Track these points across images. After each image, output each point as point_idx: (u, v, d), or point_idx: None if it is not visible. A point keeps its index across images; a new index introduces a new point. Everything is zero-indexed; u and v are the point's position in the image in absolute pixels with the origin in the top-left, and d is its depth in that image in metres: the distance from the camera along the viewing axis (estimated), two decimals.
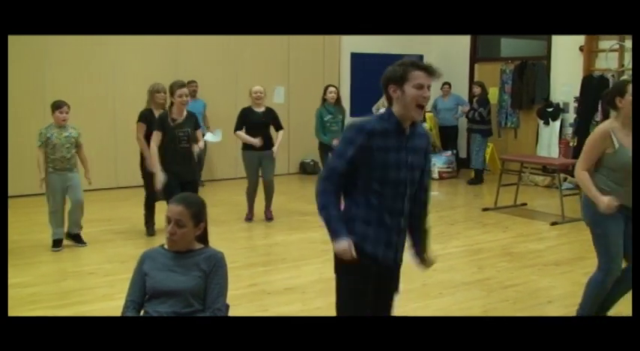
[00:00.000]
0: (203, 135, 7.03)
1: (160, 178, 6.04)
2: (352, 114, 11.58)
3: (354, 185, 2.95)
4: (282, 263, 5.99)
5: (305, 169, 11.38)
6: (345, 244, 2.85)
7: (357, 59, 11.72)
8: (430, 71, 2.90)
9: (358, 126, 2.92)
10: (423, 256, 3.20)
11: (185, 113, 6.21)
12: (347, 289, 3.01)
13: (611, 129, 3.88)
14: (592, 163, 3.94)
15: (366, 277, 2.96)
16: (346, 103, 11.64)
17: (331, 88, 8.06)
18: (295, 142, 11.02)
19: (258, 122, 7.37)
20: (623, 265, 4.09)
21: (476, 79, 11.75)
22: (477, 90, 10.59)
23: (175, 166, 6.08)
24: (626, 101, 3.86)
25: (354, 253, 2.85)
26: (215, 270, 2.96)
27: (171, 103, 6.19)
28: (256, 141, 7.26)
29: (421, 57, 12.22)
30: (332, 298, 4.96)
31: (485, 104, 10.63)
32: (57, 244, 6.31)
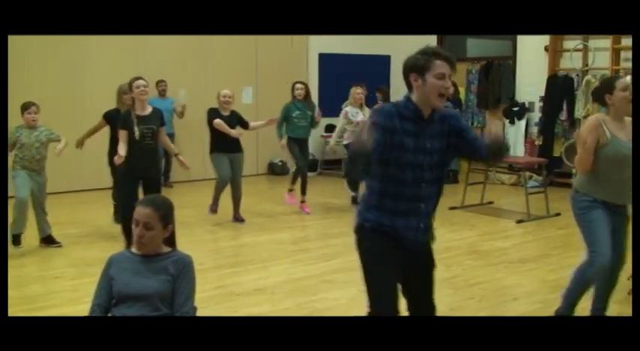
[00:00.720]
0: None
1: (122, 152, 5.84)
2: (321, 114, 11.62)
3: (372, 171, 2.99)
4: (251, 264, 5.98)
5: (273, 169, 11.37)
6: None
7: (325, 59, 11.75)
8: (451, 61, 2.94)
9: (376, 110, 2.99)
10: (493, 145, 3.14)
11: (150, 109, 6.09)
12: (370, 253, 3.03)
13: (602, 120, 3.96)
14: (589, 152, 3.94)
15: (387, 247, 3.00)
16: (314, 102, 11.69)
17: (298, 85, 8.14)
18: (264, 142, 11.00)
19: (228, 125, 7.34)
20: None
21: None
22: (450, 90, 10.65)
23: (138, 162, 5.88)
24: (616, 97, 3.94)
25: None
26: (183, 273, 2.94)
27: (133, 100, 6.06)
28: (235, 132, 7.26)
29: (389, 57, 12.32)
30: (301, 299, 5.01)
31: (459, 105, 10.74)
32: (16, 240, 6.22)
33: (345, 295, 5.09)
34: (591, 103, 9.57)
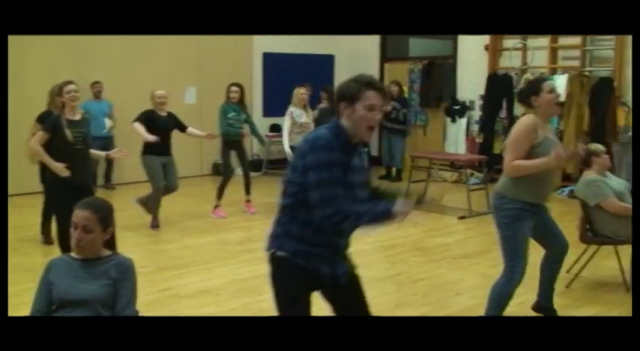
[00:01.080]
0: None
1: (59, 166, 5.63)
2: (265, 114, 11.62)
3: (300, 202, 2.80)
4: (195, 266, 5.93)
5: (217, 170, 11.26)
6: (400, 207, 2.70)
7: (270, 59, 11.73)
8: (384, 92, 2.82)
9: (322, 144, 2.73)
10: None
11: (80, 114, 5.94)
12: (284, 297, 2.91)
13: (535, 123, 3.95)
14: (522, 155, 3.89)
15: (299, 287, 2.87)
16: (259, 103, 11.68)
17: (233, 87, 7.99)
18: (207, 143, 10.82)
19: (162, 127, 7.20)
20: (549, 252, 4.29)
21: (386, 78, 11.96)
22: (394, 89, 10.74)
23: (70, 168, 5.57)
24: (542, 99, 3.94)
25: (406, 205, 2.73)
26: (124, 277, 2.90)
27: (63, 104, 5.84)
28: (152, 138, 7.05)
29: (332, 57, 12.37)
30: (246, 299, 4.99)
31: (405, 104, 10.85)
32: None
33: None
34: None
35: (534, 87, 4.03)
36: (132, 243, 6.36)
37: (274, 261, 2.92)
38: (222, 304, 4.93)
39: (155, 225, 7.33)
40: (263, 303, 4.92)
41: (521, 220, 3.96)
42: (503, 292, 4.04)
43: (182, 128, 7.46)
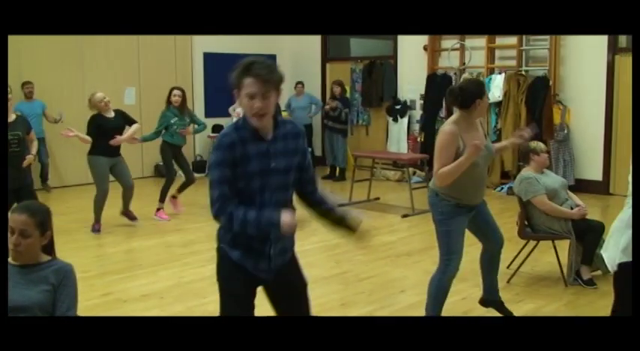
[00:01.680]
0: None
1: None
2: (208, 115, 11.51)
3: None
4: (139, 269, 5.84)
5: (160, 172, 11.11)
6: (288, 218, 2.63)
7: (210, 59, 11.63)
8: (264, 78, 2.61)
9: (217, 144, 2.72)
10: (344, 220, 2.97)
11: (14, 116, 5.78)
12: (221, 288, 2.91)
13: (457, 130, 3.91)
14: (449, 163, 3.88)
15: (236, 281, 2.85)
16: (200, 103, 11.57)
17: (175, 92, 7.82)
18: (148, 144, 10.65)
19: (113, 128, 7.06)
20: (486, 246, 4.36)
21: (328, 78, 12.02)
22: (337, 89, 10.78)
23: (6, 172, 5.49)
24: (484, 102, 3.98)
25: (295, 220, 2.65)
26: (64, 283, 2.84)
27: None
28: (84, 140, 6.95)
29: (274, 57, 12.35)
30: (191, 302, 4.95)
31: (347, 104, 10.90)
32: None
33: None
34: None
35: (481, 90, 4.03)
36: (75, 247, 6.22)
37: (217, 252, 2.93)
38: (167, 307, 4.86)
39: (97, 229, 7.18)
40: (208, 305, 4.89)
41: (457, 216, 4.01)
42: (439, 285, 4.11)
43: (132, 122, 7.30)
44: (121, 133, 7.17)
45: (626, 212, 3.14)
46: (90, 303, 4.71)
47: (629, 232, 3.05)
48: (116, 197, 7.40)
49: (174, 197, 8.06)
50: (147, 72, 10.93)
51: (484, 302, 4.60)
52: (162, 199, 7.86)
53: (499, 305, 4.55)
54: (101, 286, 5.29)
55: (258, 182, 2.72)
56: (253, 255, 2.82)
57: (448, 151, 3.89)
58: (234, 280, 2.85)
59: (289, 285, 2.96)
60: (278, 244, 2.84)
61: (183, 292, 5.21)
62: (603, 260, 5.23)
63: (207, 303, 4.95)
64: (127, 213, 7.45)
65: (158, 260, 6.11)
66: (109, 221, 7.40)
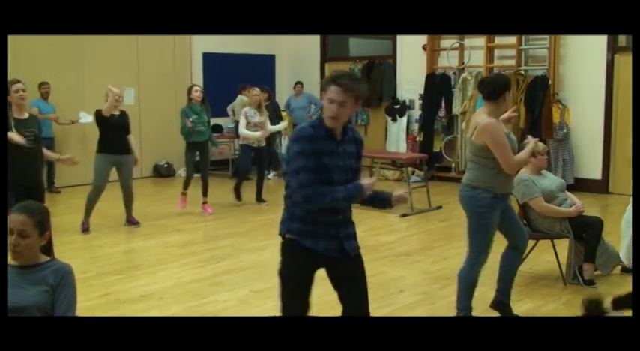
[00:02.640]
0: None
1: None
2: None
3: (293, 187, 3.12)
4: (138, 270, 5.84)
5: (159, 172, 11.14)
6: (365, 181, 3.13)
7: (210, 59, 11.63)
8: (348, 88, 3.02)
9: (298, 136, 3.08)
10: (386, 198, 3.40)
11: (27, 114, 5.76)
12: (284, 275, 3.21)
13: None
14: (509, 149, 4.07)
15: (303, 267, 3.17)
16: None
17: (196, 87, 7.93)
18: (148, 144, 10.75)
19: (115, 125, 7.06)
20: (511, 242, 4.43)
21: None
22: None
23: (20, 169, 5.31)
24: (508, 97, 4.13)
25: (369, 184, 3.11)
26: (62, 283, 2.83)
27: (9, 103, 5.64)
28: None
29: (273, 57, 12.36)
30: (190, 302, 4.95)
31: None
32: None
33: (235, 297, 5.07)
34: (468, 100, 10.00)
35: (509, 84, 4.17)
36: (75, 247, 6.23)
37: (283, 243, 3.21)
38: (166, 308, 4.86)
39: (85, 228, 7.12)
40: (207, 306, 4.90)
41: (495, 209, 4.14)
42: (470, 277, 4.24)
43: (128, 131, 7.28)
44: (127, 132, 7.16)
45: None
46: (89, 303, 4.71)
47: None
48: (115, 198, 7.40)
49: (204, 203, 8.14)
50: (146, 72, 10.93)
51: (496, 304, 4.56)
52: (185, 187, 8.05)
53: (507, 309, 4.53)
54: (100, 287, 5.29)
55: (326, 175, 3.06)
56: (324, 238, 3.15)
57: (504, 138, 4.06)
58: (303, 265, 3.18)
59: (353, 272, 3.26)
60: (346, 229, 3.22)
61: (182, 293, 5.21)
62: (603, 262, 5.29)
63: (206, 303, 4.95)
64: (130, 219, 7.43)
65: (157, 260, 6.11)
66: (108, 222, 7.41)
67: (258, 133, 8.28)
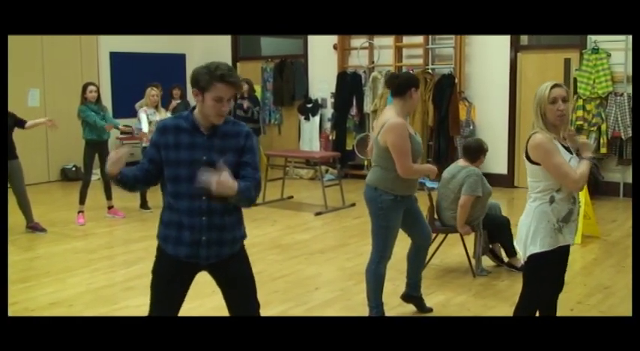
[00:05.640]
0: None
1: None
2: (116, 115, 11.20)
3: (163, 188, 3.05)
4: (46, 277, 5.64)
5: (67, 175, 10.79)
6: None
7: (117, 58, 11.36)
8: (234, 85, 2.88)
9: (156, 127, 3.00)
10: None
11: None
12: (152, 281, 3.11)
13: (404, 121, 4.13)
14: (409, 152, 4.09)
15: (166, 275, 3.04)
16: (108, 102, 11.21)
17: (91, 87, 7.71)
18: (54, 147, 10.41)
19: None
20: (415, 241, 4.51)
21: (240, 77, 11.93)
22: (244, 87, 10.68)
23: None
24: (416, 95, 4.16)
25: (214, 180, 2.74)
26: None
27: None
28: None
29: (184, 56, 12.18)
30: (102, 309, 4.83)
31: (257, 102, 10.82)
32: None
33: (149, 301, 4.97)
34: (378, 99, 10.16)
35: (415, 81, 4.21)
36: None
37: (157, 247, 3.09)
38: (76, 315, 4.72)
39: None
40: (120, 311, 4.79)
41: (395, 210, 4.18)
42: (377, 273, 4.28)
43: (21, 123, 7.02)
44: (10, 135, 6.91)
45: (530, 206, 3.33)
46: None
47: (532, 224, 3.29)
48: (14, 205, 7.12)
49: (110, 207, 7.90)
50: (51, 73, 10.56)
51: (406, 297, 4.69)
52: (82, 202, 7.70)
53: (419, 301, 4.67)
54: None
55: (187, 171, 2.88)
56: (187, 244, 2.96)
57: (407, 142, 4.08)
58: (166, 274, 3.05)
59: (230, 275, 3.10)
60: (213, 233, 2.97)
61: (93, 299, 5.07)
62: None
63: (118, 309, 4.84)
64: (33, 225, 7.15)
65: (66, 267, 5.92)
66: (11, 228, 7.12)
67: None
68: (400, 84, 4.17)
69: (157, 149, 2.95)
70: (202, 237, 2.95)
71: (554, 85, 3.24)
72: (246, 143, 2.99)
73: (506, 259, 5.62)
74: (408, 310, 4.69)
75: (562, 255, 3.37)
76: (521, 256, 3.43)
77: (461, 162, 5.49)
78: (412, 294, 4.66)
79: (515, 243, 3.50)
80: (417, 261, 4.59)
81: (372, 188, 4.21)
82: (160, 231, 3.04)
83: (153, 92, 8.09)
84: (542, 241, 3.27)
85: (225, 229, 3.01)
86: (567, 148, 3.32)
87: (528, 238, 3.31)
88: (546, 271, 3.36)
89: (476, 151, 5.44)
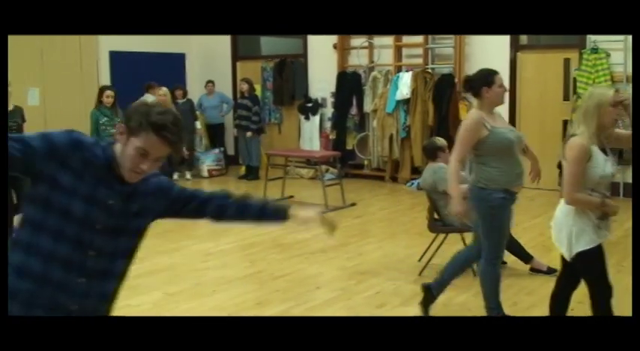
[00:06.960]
0: None
1: None
2: None
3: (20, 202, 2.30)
4: None
5: None
6: None
7: (117, 58, 11.35)
8: (171, 145, 2.10)
9: (70, 135, 2.19)
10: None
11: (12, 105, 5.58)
12: None
13: (481, 116, 4.07)
14: (466, 153, 4.09)
15: None
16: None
17: (108, 92, 7.73)
18: None
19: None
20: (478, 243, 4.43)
21: (238, 77, 11.96)
22: (244, 87, 10.71)
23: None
24: (493, 92, 4.12)
25: None
26: None
27: None
28: None
29: (183, 55, 12.18)
30: None
31: (257, 101, 10.86)
32: None
33: (149, 300, 4.99)
34: (378, 98, 10.18)
35: (487, 79, 4.20)
36: None
37: None
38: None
39: None
40: (121, 310, 4.70)
41: (505, 209, 4.14)
42: (494, 275, 4.23)
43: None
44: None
45: (568, 206, 3.45)
46: None
47: (574, 224, 3.43)
48: None
49: None
50: (51, 72, 10.57)
51: (426, 289, 4.64)
52: None
53: (431, 301, 4.63)
54: None
55: (81, 207, 2.15)
56: (41, 308, 2.24)
57: (468, 141, 4.05)
58: None
59: None
60: (87, 300, 2.32)
61: None
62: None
63: (119, 308, 4.80)
64: None
65: None
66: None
67: None
68: (472, 87, 4.23)
69: (51, 157, 2.10)
70: (73, 305, 2.20)
71: (617, 90, 3.48)
72: (174, 191, 2.43)
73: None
74: (409, 310, 4.70)
75: (603, 250, 3.50)
76: (566, 256, 3.49)
77: (428, 164, 5.63)
78: (435, 293, 4.63)
79: (555, 241, 3.57)
80: (462, 265, 4.62)
81: (478, 188, 4.12)
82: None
83: (161, 92, 8.12)
84: (587, 239, 3.41)
85: (101, 301, 2.38)
86: (604, 150, 3.43)
87: (572, 238, 3.43)
88: (599, 266, 3.48)
89: (431, 151, 5.56)
